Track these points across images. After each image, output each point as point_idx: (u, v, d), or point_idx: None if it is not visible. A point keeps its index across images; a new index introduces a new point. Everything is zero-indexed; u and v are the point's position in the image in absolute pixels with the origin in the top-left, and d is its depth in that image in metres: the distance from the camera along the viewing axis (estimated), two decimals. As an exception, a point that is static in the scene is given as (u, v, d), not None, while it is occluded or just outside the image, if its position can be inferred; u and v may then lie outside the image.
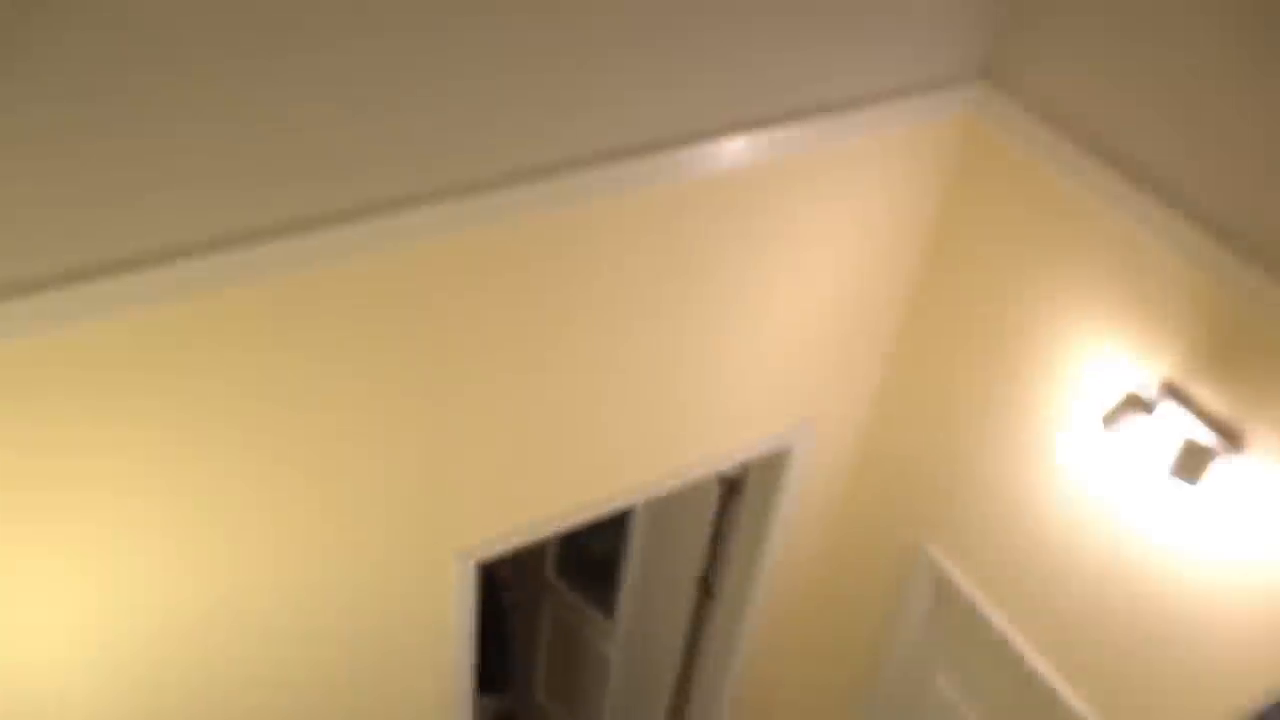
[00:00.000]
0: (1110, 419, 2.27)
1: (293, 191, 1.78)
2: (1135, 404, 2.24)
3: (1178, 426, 2.20)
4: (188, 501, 2.04)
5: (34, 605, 2.00)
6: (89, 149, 1.57)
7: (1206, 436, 2.17)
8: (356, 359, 2.05)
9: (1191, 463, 2.15)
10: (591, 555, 4.02)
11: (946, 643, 3.19)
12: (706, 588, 3.60)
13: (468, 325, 2.14)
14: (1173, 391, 2.26)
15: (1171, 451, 2.19)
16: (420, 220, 1.92)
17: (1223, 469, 2.18)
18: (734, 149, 2.19)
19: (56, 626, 2.06)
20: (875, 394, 3.07)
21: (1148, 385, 2.30)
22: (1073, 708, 2.72)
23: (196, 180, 1.68)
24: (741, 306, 2.52)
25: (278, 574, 2.29)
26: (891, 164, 2.49)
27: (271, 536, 2.21)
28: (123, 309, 1.73)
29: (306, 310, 1.93)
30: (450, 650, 2.76)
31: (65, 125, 1.53)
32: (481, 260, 2.06)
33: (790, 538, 3.33)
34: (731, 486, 3.29)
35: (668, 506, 3.49)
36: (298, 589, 2.35)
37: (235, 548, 2.17)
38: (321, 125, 1.73)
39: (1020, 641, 2.84)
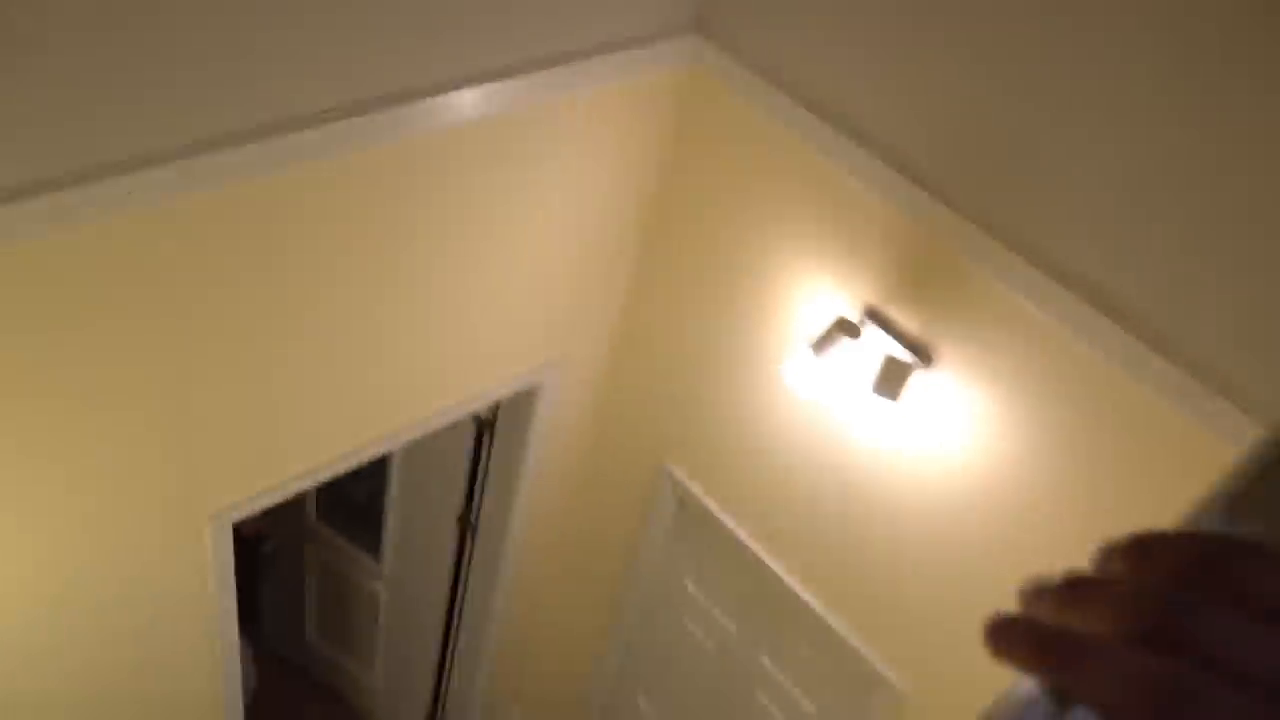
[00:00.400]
0: (819, 344, 2.46)
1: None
2: (842, 329, 2.43)
3: (878, 347, 2.41)
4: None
5: None
6: None
7: (904, 355, 2.39)
8: (94, 328, 1.93)
9: (891, 379, 2.37)
10: (353, 499, 3.96)
11: (692, 552, 3.39)
12: (466, 524, 3.64)
13: (206, 287, 2.04)
14: (874, 316, 2.47)
15: (873, 370, 2.41)
16: (145, 183, 1.81)
17: (918, 383, 2.42)
18: (462, 103, 2.18)
19: None
20: (616, 331, 3.17)
21: (852, 312, 2.50)
22: (802, 598, 2.97)
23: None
24: (484, 255, 2.53)
25: (29, 553, 2.15)
26: (616, 114, 2.55)
27: (15, 512, 2.07)
28: None
29: (37, 275, 1.79)
30: (213, 612, 2.68)
31: None
32: (212, 219, 1.97)
33: (542, 470, 3.41)
34: (484, 425, 3.32)
35: (425, 447, 3.49)
36: (51, 564, 2.21)
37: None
38: None
39: (754, 545, 3.06)
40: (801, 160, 2.48)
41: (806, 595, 2.97)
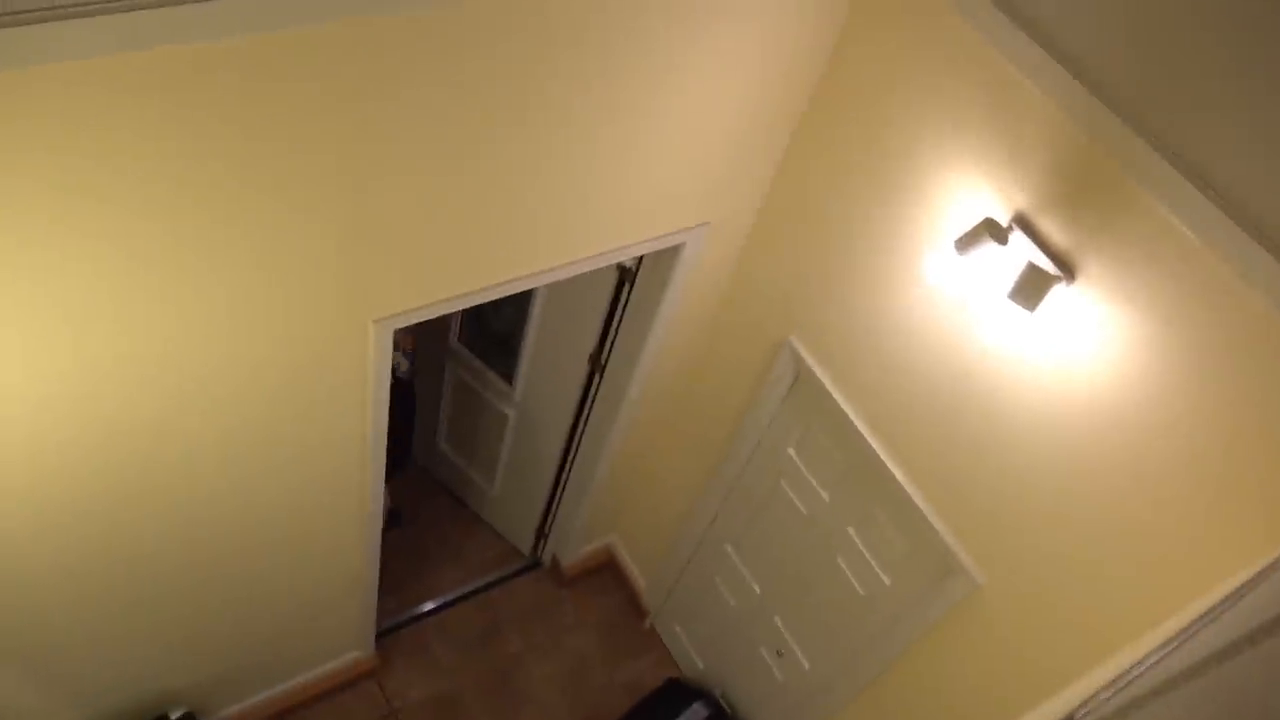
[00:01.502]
0: (964, 243, 2.32)
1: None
2: (989, 231, 2.29)
3: (1023, 254, 2.27)
4: (118, 257, 1.94)
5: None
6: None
7: (1047, 265, 2.25)
8: (286, 134, 1.93)
9: (1031, 288, 2.23)
10: (493, 328, 4.02)
11: (799, 421, 3.35)
12: (597, 364, 3.66)
13: (393, 105, 2.02)
14: (1022, 223, 2.32)
15: (1014, 277, 2.27)
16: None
17: (1056, 295, 2.28)
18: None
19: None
20: (764, 202, 3.07)
21: (1002, 215, 2.35)
22: (898, 480, 2.92)
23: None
24: (650, 110, 2.45)
25: (210, 332, 2.23)
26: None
27: (205, 297, 2.14)
28: (43, 59, 1.58)
29: (248, 76, 1.79)
30: (368, 402, 2.77)
31: None
32: (407, 41, 1.92)
33: (673, 323, 3.38)
34: (627, 275, 3.30)
35: (569, 288, 3.49)
36: (229, 344, 2.29)
37: (171, 303, 2.10)
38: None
39: (860, 424, 3.00)
40: (977, 54, 2.30)
41: (902, 478, 2.92)
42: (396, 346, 3.67)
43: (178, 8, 1.61)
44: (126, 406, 2.27)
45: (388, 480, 4.10)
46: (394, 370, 3.54)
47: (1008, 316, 2.43)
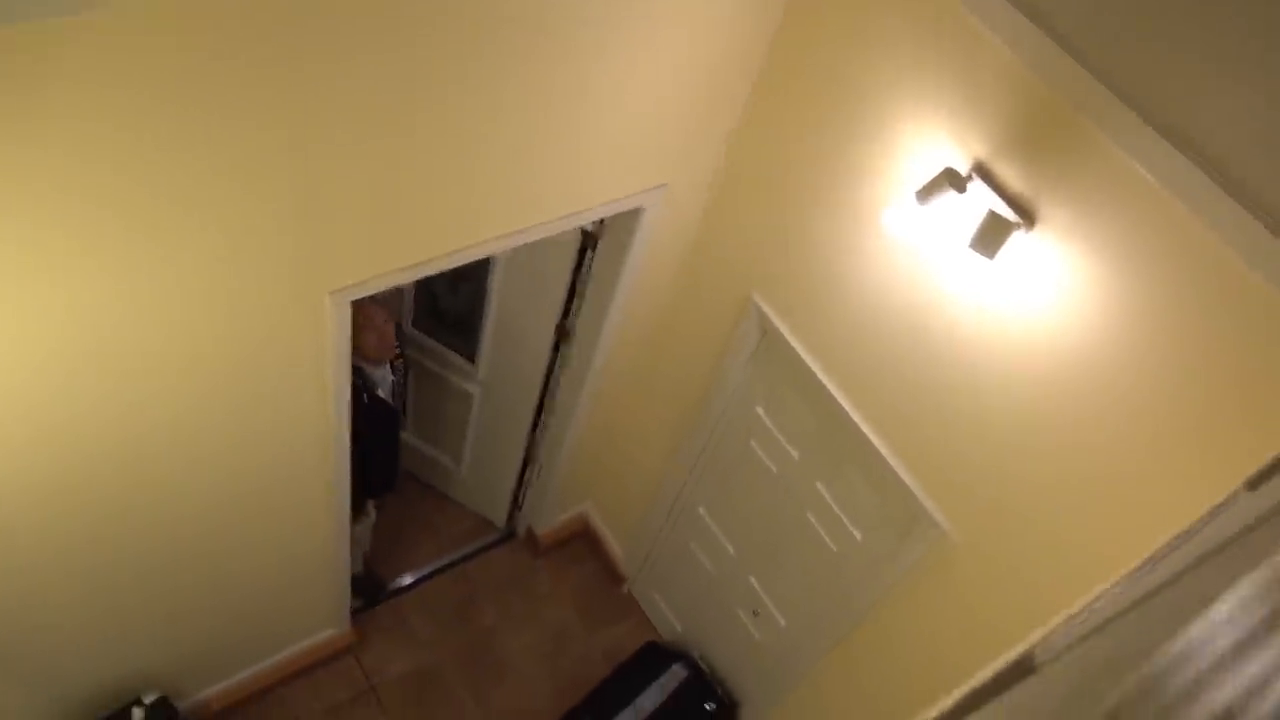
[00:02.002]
0: (923, 193, 2.29)
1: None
2: (949, 180, 2.27)
3: (983, 203, 2.25)
4: (64, 232, 1.88)
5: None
6: None
7: (1007, 213, 2.23)
8: (235, 100, 1.87)
9: (991, 236, 2.21)
10: (448, 310, 3.94)
11: (766, 380, 3.33)
12: (562, 332, 3.62)
13: (337, 67, 1.96)
14: (981, 171, 2.29)
15: (974, 226, 2.25)
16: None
17: (1017, 243, 2.26)
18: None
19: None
20: (722, 161, 3.02)
21: (961, 164, 2.33)
22: (865, 435, 2.91)
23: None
24: (604, 70, 2.39)
25: (162, 311, 2.17)
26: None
27: (156, 275, 2.08)
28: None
29: (187, 41, 1.72)
30: (328, 375, 2.71)
31: None
32: (353, 7, 1.86)
33: (638, 287, 3.34)
34: (589, 240, 3.25)
35: (528, 258, 3.44)
36: (183, 321, 2.23)
37: (122, 283, 2.03)
38: None
39: (827, 381, 2.98)
40: (933, 1, 2.26)
41: (870, 433, 2.91)
42: (379, 363, 3.53)
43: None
44: (82, 389, 2.20)
45: (378, 500, 4.03)
46: (374, 388, 3.45)
47: (969, 266, 2.41)
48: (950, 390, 2.60)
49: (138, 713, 3.34)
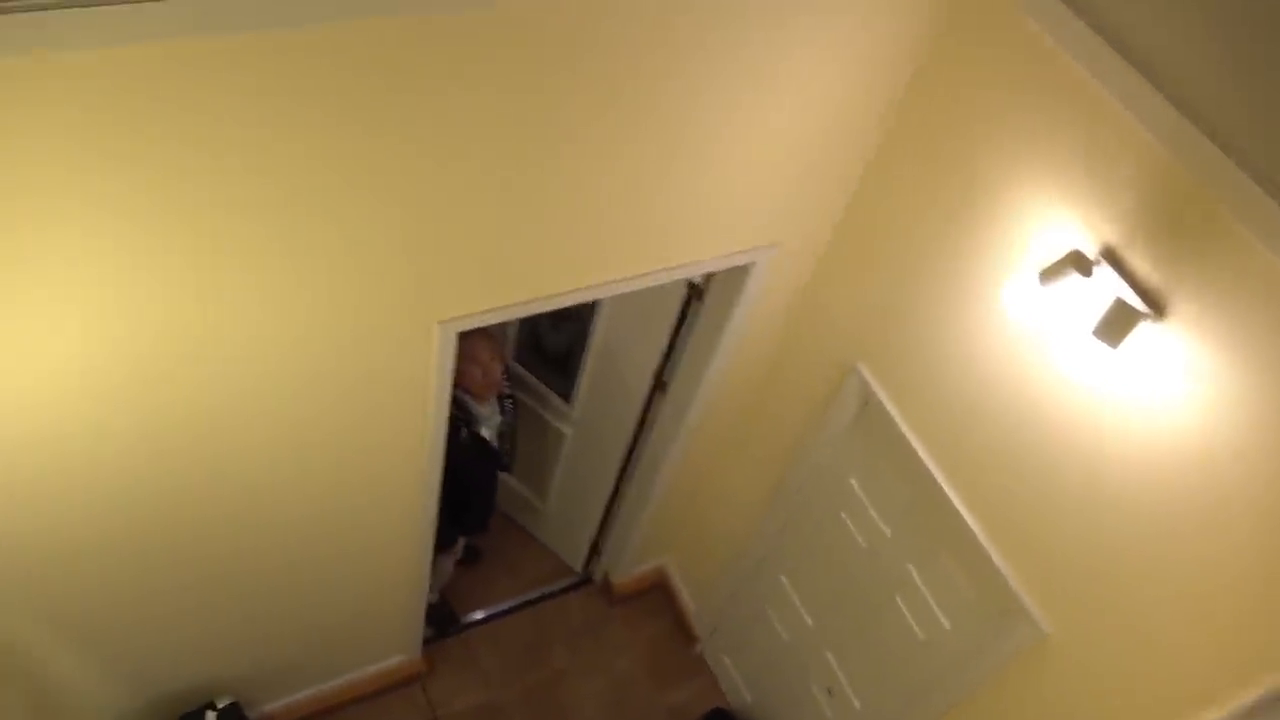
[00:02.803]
0: (1047, 274, 2.22)
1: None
2: (1074, 263, 2.19)
3: (1110, 288, 2.16)
4: (189, 253, 1.95)
5: (45, 344, 1.94)
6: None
7: (1135, 302, 2.13)
8: (362, 127, 1.92)
9: (1117, 325, 2.11)
10: (550, 348, 3.98)
11: (864, 452, 3.25)
12: (659, 381, 3.61)
13: (469, 105, 2.00)
14: (1110, 256, 2.21)
15: (1099, 312, 2.16)
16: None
17: (1143, 334, 2.16)
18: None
19: (62, 367, 2.01)
20: (837, 223, 2.99)
21: (1088, 247, 2.24)
22: (964, 519, 2.80)
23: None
24: (726, 127, 2.40)
25: (280, 327, 2.23)
26: (880, 7, 2.32)
27: (270, 292, 2.14)
28: (139, 38, 1.58)
29: (326, 65, 1.78)
30: (429, 402, 2.74)
31: None
32: (487, 38, 1.90)
33: (740, 344, 3.31)
34: (695, 292, 3.24)
35: (632, 304, 3.45)
36: (299, 339, 2.29)
37: (236, 297, 2.10)
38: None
39: (928, 459, 2.89)
40: (1067, 76, 2.20)
41: (970, 518, 2.80)
42: (484, 399, 3.54)
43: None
44: (193, 396, 2.28)
45: (472, 536, 4.05)
46: (476, 424, 3.47)
47: (1090, 353, 2.31)
48: (1059, 480, 2.49)
49: (211, 715, 3.40)
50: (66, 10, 1.48)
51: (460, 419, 3.34)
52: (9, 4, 1.43)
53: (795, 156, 2.62)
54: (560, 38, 1.98)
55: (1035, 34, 2.25)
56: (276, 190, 1.94)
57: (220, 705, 3.42)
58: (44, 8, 1.46)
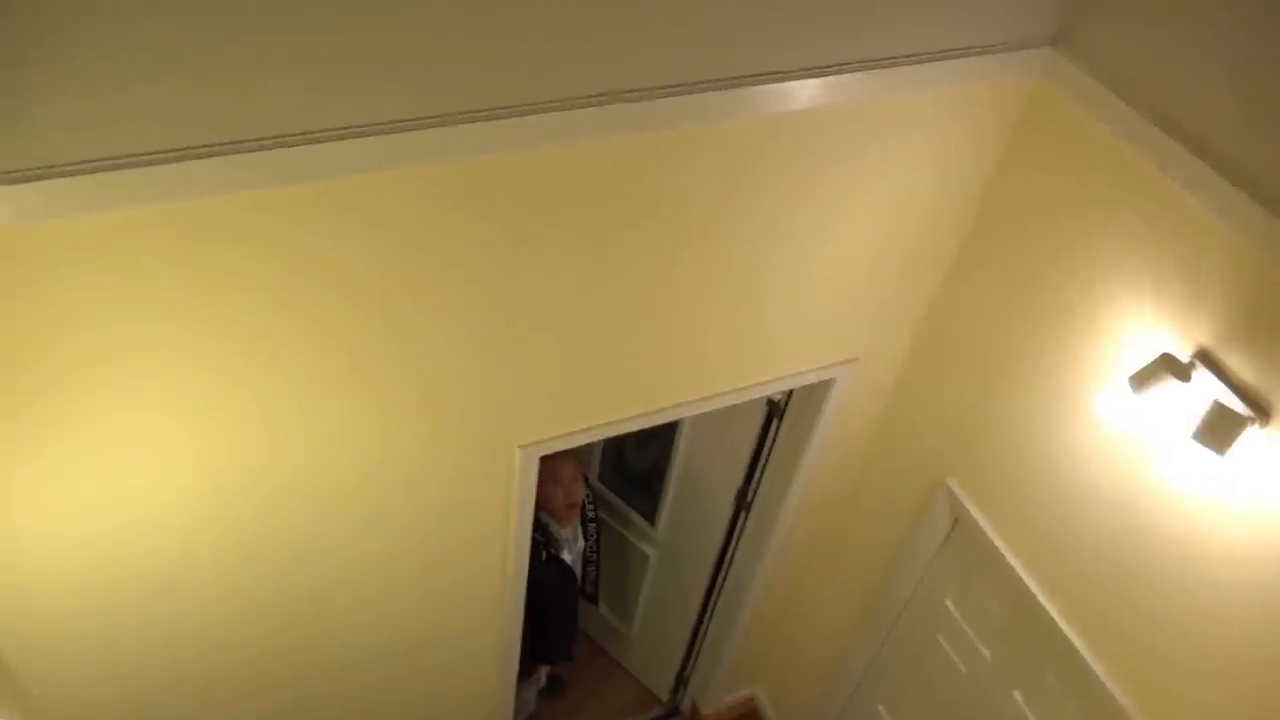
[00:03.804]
0: (1140, 380, 2.15)
1: (406, 88, 1.71)
2: (1168, 367, 2.12)
3: (1209, 393, 2.08)
4: (275, 383, 2.02)
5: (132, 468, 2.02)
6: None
7: (1237, 405, 2.05)
8: (447, 258, 2.00)
9: (1219, 430, 2.03)
10: (633, 467, 3.98)
11: (958, 571, 3.13)
12: (743, 502, 3.56)
13: (545, 237, 2.07)
14: (1205, 359, 2.14)
15: (1198, 418, 2.08)
16: (511, 131, 1.84)
17: (1248, 439, 2.07)
18: (808, 91, 2.07)
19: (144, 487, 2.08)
20: (917, 337, 2.97)
21: (1182, 351, 2.18)
22: (1069, 639, 2.65)
23: (317, 70, 1.61)
24: (802, 243, 2.42)
25: (363, 451, 2.28)
26: (957, 119, 2.35)
27: (357, 422, 2.20)
28: (233, 188, 1.68)
29: (404, 204, 1.87)
30: (511, 525, 2.75)
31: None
32: (558, 176, 1.97)
33: (823, 462, 3.26)
34: (775, 410, 3.22)
35: (714, 424, 3.44)
36: (381, 463, 2.34)
37: (314, 423, 2.16)
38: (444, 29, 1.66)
39: (1027, 577, 2.77)
40: (1147, 183, 2.18)
41: (1074, 637, 2.65)
42: (566, 522, 3.54)
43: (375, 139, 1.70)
44: (277, 519, 2.32)
45: (555, 664, 4.00)
46: (557, 547, 3.47)
47: (1191, 460, 2.22)
48: (1170, 598, 2.35)
49: None
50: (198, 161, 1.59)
51: (541, 542, 3.32)
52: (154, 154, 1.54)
53: (872, 271, 2.63)
54: (640, 167, 2.05)
55: (1110, 139, 2.24)
56: (370, 323, 2.02)
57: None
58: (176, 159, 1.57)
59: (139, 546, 2.18)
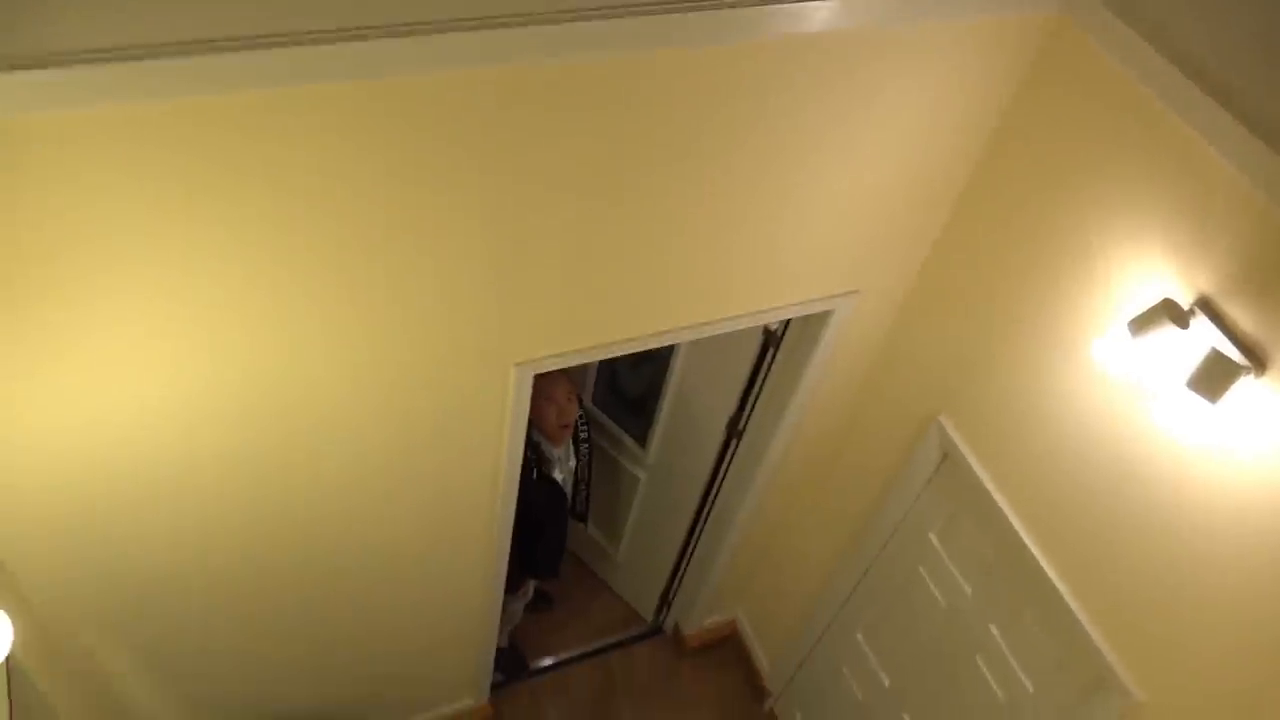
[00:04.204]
0: (1139, 325, 2.16)
1: None
2: (1168, 313, 2.12)
3: (1206, 341, 2.09)
4: (274, 289, 2.02)
5: (136, 377, 2.02)
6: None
7: (1234, 354, 2.06)
8: (446, 177, 1.97)
9: (1214, 378, 2.04)
10: (627, 391, 3.99)
11: (944, 506, 3.17)
12: (734, 429, 3.59)
13: (549, 152, 2.04)
14: (1206, 307, 2.14)
15: (1194, 365, 2.09)
16: (521, 42, 1.80)
17: (1242, 388, 2.08)
18: (818, 14, 2.02)
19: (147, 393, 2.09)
20: (919, 272, 2.96)
21: (1183, 298, 2.18)
22: (1050, 578, 2.71)
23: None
24: (808, 171, 2.40)
25: (359, 365, 2.28)
26: (975, 51, 2.31)
27: (359, 328, 2.20)
28: (246, 85, 1.65)
29: (409, 115, 1.84)
30: (504, 443, 2.77)
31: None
32: (568, 90, 1.94)
33: (817, 393, 3.28)
34: (772, 339, 3.23)
35: (709, 351, 3.45)
36: (377, 376, 2.34)
37: (308, 329, 2.15)
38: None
39: (1011, 514, 2.81)
40: (1161, 125, 2.15)
41: (1055, 576, 2.70)
42: (558, 441, 3.57)
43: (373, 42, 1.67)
44: (270, 432, 2.33)
45: (542, 580, 4.06)
46: (548, 466, 3.50)
47: (1186, 408, 2.23)
48: (1153, 540, 2.39)
49: (279, 752, 3.43)
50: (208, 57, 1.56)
51: (533, 460, 3.36)
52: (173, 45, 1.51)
53: (878, 203, 2.61)
54: (640, 85, 2.01)
55: (1127, 79, 2.21)
56: (377, 229, 2.00)
57: (290, 742, 3.46)
58: (185, 53, 1.54)
59: (138, 447, 2.19)
